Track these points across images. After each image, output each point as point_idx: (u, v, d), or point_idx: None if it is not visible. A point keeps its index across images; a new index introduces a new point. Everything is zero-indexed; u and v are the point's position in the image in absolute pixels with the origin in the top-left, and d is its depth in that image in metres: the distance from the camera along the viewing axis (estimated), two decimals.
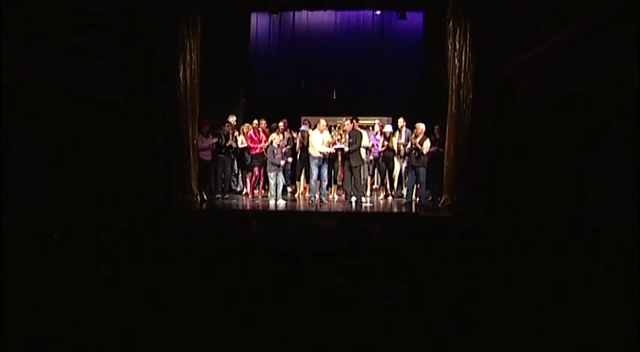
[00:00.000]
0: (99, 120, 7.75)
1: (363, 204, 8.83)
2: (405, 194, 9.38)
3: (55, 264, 3.84)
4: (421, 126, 8.91)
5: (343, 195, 9.49)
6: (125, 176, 7.95)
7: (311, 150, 8.90)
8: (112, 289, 3.27)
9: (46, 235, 4.65)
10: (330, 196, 9.64)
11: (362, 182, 9.04)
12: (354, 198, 8.88)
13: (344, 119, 9.26)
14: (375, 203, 9.17)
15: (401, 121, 9.46)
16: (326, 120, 9.30)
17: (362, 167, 8.97)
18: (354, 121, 8.96)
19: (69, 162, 7.28)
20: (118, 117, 8.01)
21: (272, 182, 8.99)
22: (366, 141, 9.01)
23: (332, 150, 8.95)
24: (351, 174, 8.85)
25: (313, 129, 9.30)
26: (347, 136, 8.82)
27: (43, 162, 6.74)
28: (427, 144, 8.75)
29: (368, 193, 9.67)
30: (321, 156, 8.82)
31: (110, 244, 4.34)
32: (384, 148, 9.50)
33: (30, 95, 6.26)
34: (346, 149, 8.77)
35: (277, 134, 9.17)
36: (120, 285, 3.34)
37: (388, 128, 9.55)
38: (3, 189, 5.75)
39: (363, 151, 8.95)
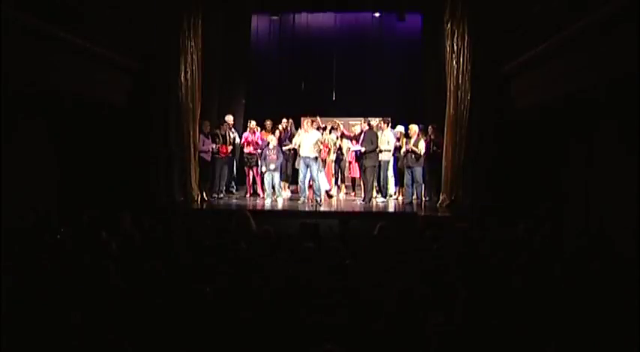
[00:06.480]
0: (103, 122, 7.82)
1: (362, 204, 8.93)
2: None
3: (58, 262, 3.89)
4: (414, 128, 8.93)
5: (353, 194, 9.82)
6: (127, 176, 8.02)
7: (299, 151, 8.91)
8: (115, 288, 3.31)
9: (51, 234, 4.71)
10: (339, 195, 9.79)
11: (372, 183, 9.08)
12: (379, 199, 9.15)
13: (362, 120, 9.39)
14: (375, 203, 9.21)
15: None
16: (324, 121, 9.36)
17: (374, 168, 8.97)
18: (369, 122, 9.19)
19: (74, 163, 7.35)
20: (122, 118, 8.08)
21: (267, 181, 9.06)
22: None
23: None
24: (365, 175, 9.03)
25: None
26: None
27: (50, 163, 6.81)
28: (422, 144, 8.77)
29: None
30: (309, 156, 8.72)
31: (112, 244, 4.38)
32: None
33: (36, 97, 6.31)
34: (362, 150, 8.91)
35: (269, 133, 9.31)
36: (122, 284, 3.38)
37: (400, 128, 9.40)
38: (10, 189, 5.80)
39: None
